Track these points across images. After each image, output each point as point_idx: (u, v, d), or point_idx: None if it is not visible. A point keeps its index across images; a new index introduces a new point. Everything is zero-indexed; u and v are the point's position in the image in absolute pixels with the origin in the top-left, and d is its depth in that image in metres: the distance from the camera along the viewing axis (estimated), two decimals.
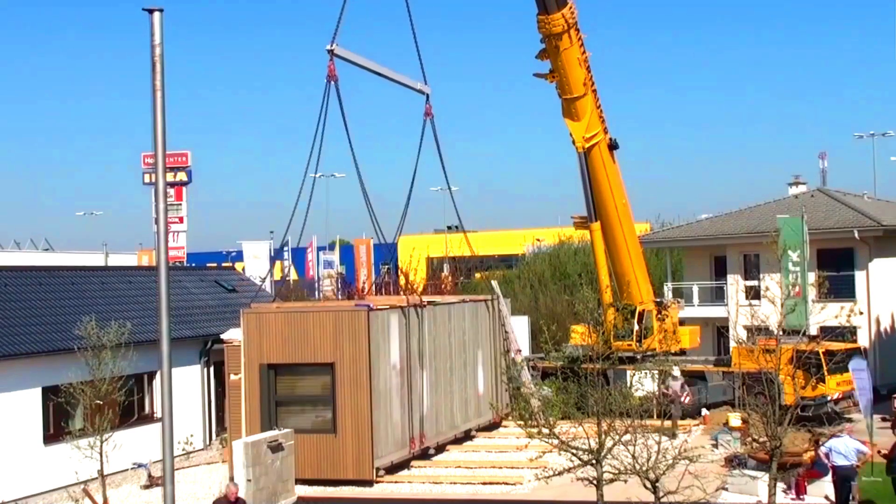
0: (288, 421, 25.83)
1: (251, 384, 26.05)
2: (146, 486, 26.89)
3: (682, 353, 37.79)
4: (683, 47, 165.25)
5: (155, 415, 29.45)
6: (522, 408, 19.29)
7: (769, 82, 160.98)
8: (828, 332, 34.55)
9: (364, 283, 60.52)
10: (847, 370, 29.24)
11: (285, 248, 54.45)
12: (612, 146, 35.49)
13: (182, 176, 55.77)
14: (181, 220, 55.92)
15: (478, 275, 62.72)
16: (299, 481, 24.72)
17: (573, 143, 34.49)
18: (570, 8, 32.39)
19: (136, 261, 65.41)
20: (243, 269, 53.32)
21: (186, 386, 30.98)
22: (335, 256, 64.66)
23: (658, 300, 38.84)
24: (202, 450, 31.77)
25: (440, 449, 29.21)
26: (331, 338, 25.68)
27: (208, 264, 54.42)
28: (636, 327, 36.19)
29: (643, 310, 36.71)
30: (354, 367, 25.44)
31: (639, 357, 34.41)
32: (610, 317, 35.07)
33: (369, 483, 25.47)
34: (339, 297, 51.15)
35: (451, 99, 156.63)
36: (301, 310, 27.42)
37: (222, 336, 28.34)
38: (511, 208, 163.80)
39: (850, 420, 30.61)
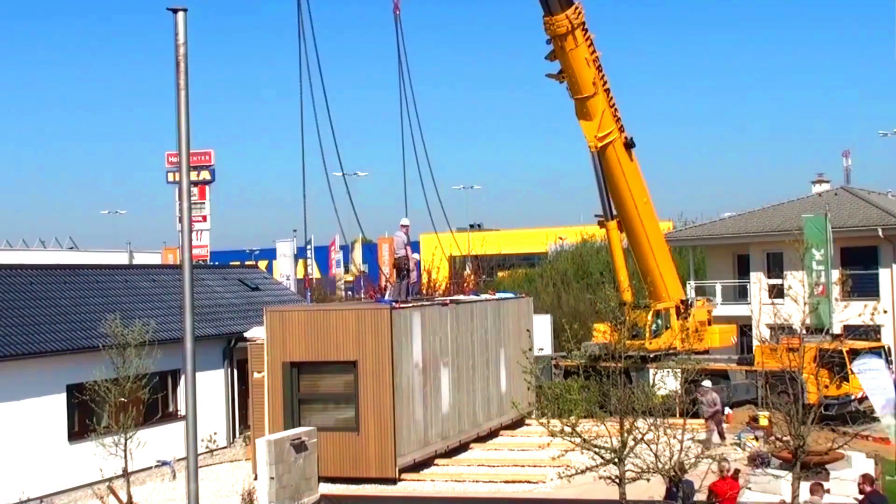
0: (311, 419, 25.87)
1: (274, 382, 26.11)
2: None
3: (706, 352, 37.66)
4: (707, 46, 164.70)
5: (179, 412, 29.61)
6: (545, 406, 19.31)
7: (793, 80, 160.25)
8: (851, 331, 34.53)
9: (387, 281, 60.54)
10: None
11: (308, 247, 54.73)
12: (629, 145, 35.35)
13: (205, 175, 56.02)
14: (204, 218, 56.17)
15: (500, 273, 62.69)
16: (322, 479, 24.76)
17: (587, 142, 34.53)
18: (576, 9, 32.52)
19: (160, 259, 65.74)
20: (266, 268, 53.56)
21: (210, 384, 31.11)
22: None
23: (685, 299, 38.78)
24: (226, 447, 31.91)
25: (463, 447, 29.22)
26: (354, 336, 25.69)
27: (231, 263, 54.67)
28: (653, 326, 36.23)
29: (661, 308, 36.69)
30: (377, 365, 25.44)
31: (661, 355, 34.34)
32: (630, 315, 35.00)
33: (392, 481, 25.49)
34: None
35: (476, 98, 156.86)
36: (324, 308, 27.47)
37: (245, 334, 28.42)
38: (534, 207, 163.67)
39: (875, 419, 30.41)
